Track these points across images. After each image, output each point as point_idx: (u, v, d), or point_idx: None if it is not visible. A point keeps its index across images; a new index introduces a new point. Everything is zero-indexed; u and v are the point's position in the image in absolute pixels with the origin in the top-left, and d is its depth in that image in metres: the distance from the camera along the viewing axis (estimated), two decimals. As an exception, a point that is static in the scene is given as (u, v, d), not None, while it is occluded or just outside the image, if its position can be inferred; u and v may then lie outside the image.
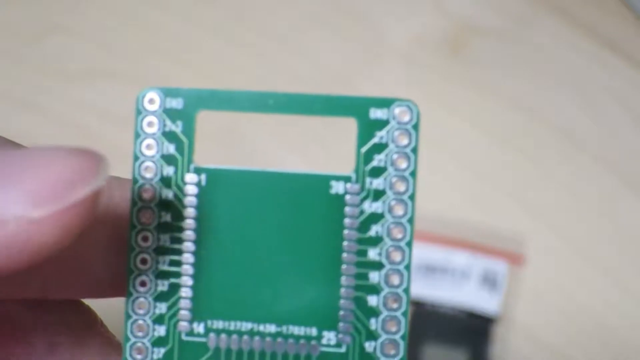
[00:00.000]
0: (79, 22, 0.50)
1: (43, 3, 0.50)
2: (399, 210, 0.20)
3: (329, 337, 0.20)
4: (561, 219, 0.46)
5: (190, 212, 0.20)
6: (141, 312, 0.20)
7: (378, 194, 0.20)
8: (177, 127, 0.20)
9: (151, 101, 0.20)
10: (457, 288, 0.44)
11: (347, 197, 0.20)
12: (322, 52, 0.49)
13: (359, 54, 0.49)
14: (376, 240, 0.20)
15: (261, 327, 0.20)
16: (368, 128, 0.20)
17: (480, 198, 0.46)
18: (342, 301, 0.20)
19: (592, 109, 0.47)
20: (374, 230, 0.20)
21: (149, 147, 0.20)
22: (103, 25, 0.50)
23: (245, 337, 0.20)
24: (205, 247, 0.20)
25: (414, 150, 0.20)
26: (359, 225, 0.20)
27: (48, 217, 0.16)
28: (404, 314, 0.20)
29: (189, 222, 0.20)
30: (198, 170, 0.20)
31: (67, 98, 0.48)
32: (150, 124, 0.20)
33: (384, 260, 0.20)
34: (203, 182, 0.20)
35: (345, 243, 0.20)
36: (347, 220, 0.20)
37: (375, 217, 0.20)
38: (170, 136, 0.20)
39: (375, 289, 0.20)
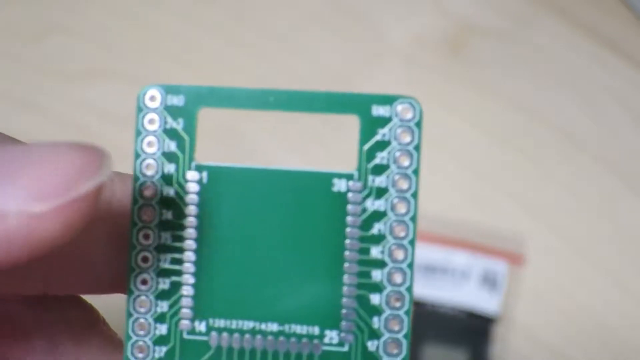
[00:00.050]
0: (79, 22, 0.50)
1: (43, 3, 0.50)
2: (401, 208, 0.20)
3: (332, 335, 0.20)
4: (561, 219, 0.46)
5: (191, 209, 0.20)
6: (142, 310, 0.20)
7: (380, 192, 0.20)
8: (178, 125, 0.20)
9: (152, 98, 0.20)
10: (457, 288, 0.44)
11: (350, 194, 0.20)
12: (322, 52, 0.49)
13: (359, 54, 0.49)
14: (379, 238, 0.20)
15: (263, 326, 0.20)
16: (370, 125, 0.20)
17: (480, 198, 0.46)
18: (344, 299, 0.20)
19: (592, 109, 0.47)
20: (377, 228, 0.20)
21: (150, 144, 0.20)
22: (103, 25, 0.50)
23: (247, 335, 0.20)
24: (206, 245, 0.20)
25: (417, 148, 0.20)
26: (362, 223, 0.20)
27: (50, 212, 0.16)
28: (407, 312, 0.20)
29: (191, 220, 0.20)
30: (199, 168, 0.20)
31: (67, 98, 0.48)
32: (151, 122, 0.20)
33: (386, 259, 0.20)
34: (204, 180, 0.20)
35: (347, 241, 0.20)
36: (349, 218, 0.20)
37: (378, 215, 0.20)
38: (171, 133, 0.20)
39: (377, 288, 0.20)
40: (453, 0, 0.49)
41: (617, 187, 0.46)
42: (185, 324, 0.20)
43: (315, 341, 0.20)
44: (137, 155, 0.20)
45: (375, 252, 0.20)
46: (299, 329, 0.20)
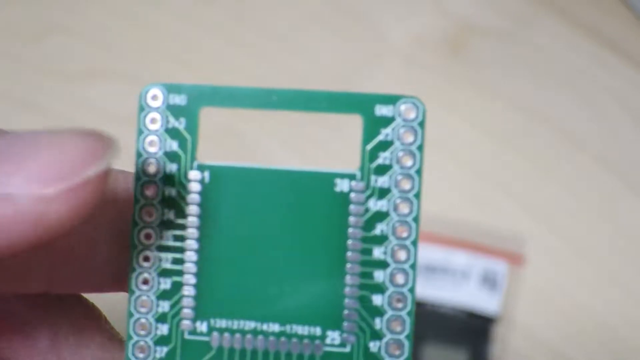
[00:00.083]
0: (79, 22, 0.50)
1: (43, 3, 0.50)
2: (404, 209, 0.20)
3: (333, 336, 0.20)
4: (561, 219, 0.46)
5: (193, 209, 0.20)
6: (144, 310, 0.20)
7: (383, 192, 0.20)
8: (180, 124, 0.20)
9: (154, 97, 0.20)
10: (457, 288, 0.44)
11: (352, 195, 0.20)
12: (322, 52, 0.49)
13: (359, 54, 0.49)
14: (381, 239, 0.20)
15: (264, 326, 0.20)
16: (373, 125, 0.20)
17: (480, 198, 0.46)
18: (346, 300, 0.20)
19: (592, 109, 0.47)
20: (379, 228, 0.20)
21: (151, 143, 0.20)
22: (103, 25, 0.50)
23: (249, 336, 0.20)
24: (208, 245, 0.20)
25: (420, 148, 0.19)
26: (364, 224, 0.20)
27: (58, 195, 0.16)
28: (409, 313, 0.20)
29: (192, 220, 0.20)
30: (201, 167, 0.20)
31: (67, 98, 0.48)
32: (153, 121, 0.20)
33: (389, 259, 0.20)
34: (206, 180, 0.20)
35: (349, 241, 0.20)
36: (351, 219, 0.20)
37: (380, 216, 0.20)
38: (173, 133, 0.20)
39: (380, 288, 0.20)
40: (453, 0, 0.49)
41: (617, 187, 0.46)
42: (186, 324, 0.20)
43: (317, 342, 0.20)
44: (138, 155, 0.20)
45: (377, 252, 0.20)
46: (301, 329, 0.20)
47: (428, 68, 0.48)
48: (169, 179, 0.20)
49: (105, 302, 0.23)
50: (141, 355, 0.20)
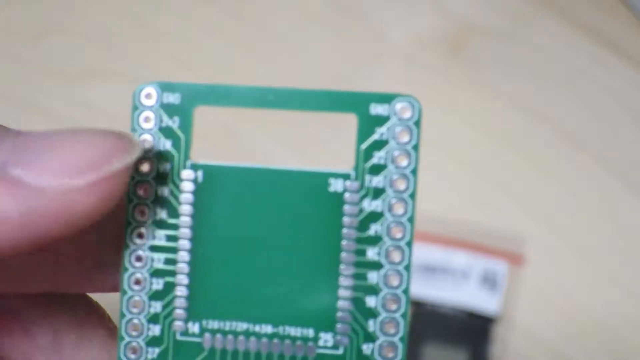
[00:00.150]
0: (79, 22, 0.50)
1: (43, 3, 0.50)
2: (399, 209, 0.19)
3: (326, 338, 0.20)
4: (561, 219, 0.46)
5: (186, 209, 0.20)
6: (136, 311, 0.20)
7: (378, 192, 0.19)
8: (174, 123, 0.20)
9: (148, 96, 0.20)
10: (457, 288, 0.44)
11: (346, 195, 0.19)
12: (322, 52, 0.49)
13: (359, 54, 0.49)
14: (375, 240, 0.19)
15: (257, 328, 0.20)
16: (368, 124, 0.19)
17: (480, 198, 0.46)
18: (339, 302, 0.19)
19: (592, 109, 0.47)
20: (373, 229, 0.19)
21: (145, 142, 0.20)
22: (103, 25, 0.50)
23: (241, 337, 0.20)
24: (201, 245, 0.20)
25: (415, 148, 0.19)
26: (358, 224, 0.19)
27: (86, 186, 0.17)
28: (403, 315, 0.19)
29: (185, 220, 0.20)
30: (195, 167, 0.20)
31: (67, 98, 0.48)
32: (147, 120, 0.20)
33: (383, 261, 0.19)
34: (200, 179, 0.20)
35: (343, 242, 0.19)
36: (345, 219, 0.19)
37: (375, 216, 0.19)
38: (166, 132, 0.20)
39: (374, 290, 0.19)
40: (453, 0, 0.49)
41: (617, 187, 0.46)
42: (178, 325, 0.20)
43: (310, 344, 0.20)
44: None
45: (371, 253, 0.19)
46: (293, 331, 0.20)
47: (428, 68, 0.48)
48: (162, 178, 0.20)
49: (108, 301, 0.23)
50: (133, 356, 0.20)
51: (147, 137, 0.20)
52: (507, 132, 0.47)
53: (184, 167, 0.20)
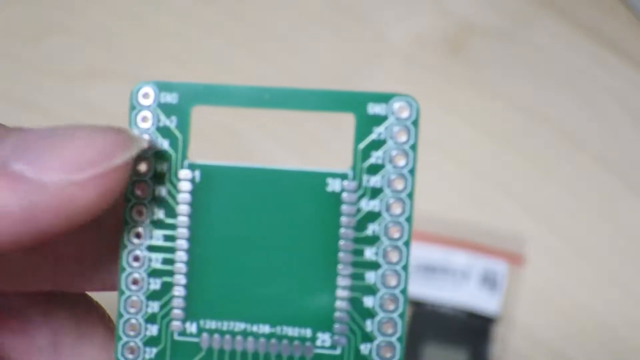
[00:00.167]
0: (79, 22, 0.50)
1: (43, 3, 0.50)
2: (396, 209, 0.19)
3: (324, 338, 0.20)
4: (561, 219, 0.46)
5: (183, 209, 0.20)
6: (133, 311, 0.20)
7: (375, 192, 0.19)
8: (171, 123, 0.20)
9: (146, 95, 0.20)
10: (457, 288, 0.44)
11: (344, 194, 0.19)
12: (322, 52, 0.49)
13: (359, 54, 0.49)
14: (373, 240, 0.19)
15: (254, 328, 0.20)
16: (366, 124, 0.19)
17: (480, 198, 0.46)
18: (337, 302, 0.19)
19: (592, 109, 0.47)
20: (371, 229, 0.19)
21: (146, 139, 0.20)
22: (103, 25, 0.50)
23: (239, 337, 0.20)
24: (198, 245, 0.20)
25: (413, 147, 0.19)
26: (356, 224, 0.19)
27: (88, 180, 0.17)
28: (401, 315, 0.19)
29: (183, 220, 0.20)
30: (192, 167, 0.20)
31: (67, 98, 0.48)
32: (144, 119, 0.20)
33: (380, 260, 0.19)
34: (197, 179, 0.20)
35: (341, 242, 0.19)
36: (343, 219, 0.19)
37: (373, 216, 0.19)
38: (164, 131, 0.20)
39: (371, 290, 0.19)
40: (453, 0, 0.49)
41: (617, 187, 0.46)
42: (176, 325, 0.20)
43: (307, 344, 0.20)
44: None
45: (369, 253, 0.19)
46: (291, 331, 0.20)
47: (428, 68, 0.48)
48: (159, 178, 0.20)
49: (108, 301, 0.23)
50: (130, 356, 0.20)
51: (145, 136, 0.20)
52: (507, 132, 0.47)
53: (182, 167, 0.20)
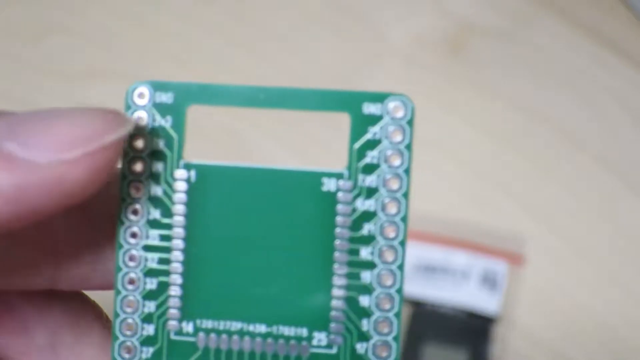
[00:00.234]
0: (79, 22, 0.50)
1: (43, 3, 0.50)
2: (392, 209, 0.19)
3: (320, 337, 0.20)
4: (561, 219, 0.46)
5: (179, 209, 0.20)
6: (129, 310, 0.20)
7: (371, 192, 0.19)
8: (166, 122, 0.20)
9: (141, 95, 0.20)
10: (457, 288, 0.44)
11: (339, 194, 0.19)
12: (322, 52, 0.49)
13: (359, 54, 0.49)
14: (369, 239, 0.19)
15: (251, 327, 0.20)
16: (361, 123, 0.19)
17: (480, 198, 0.46)
18: (333, 301, 0.19)
19: (592, 109, 0.47)
20: (367, 228, 0.19)
21: (139, 120, 0.20)
22: (103, 25, 0.50)
23: (235, 337, 0.20)
24: (194, 245, 0.20)
25: (408, 147, 0.19)
26: (351, 224, 0.19)
27: (78, 159, 0.17)
28: (397, 315, 0.19)
29: (178, 219, 0.20)
30: (188, 166, 0.20)
31: (67, 98, 0.48)
32: (139, 119, 0.20)
33: (376, 260, 0.19)
34: (193, 179, 0.20)
35: (337, 242, 0.19)
36: (339, 219, 0.19)
37: (368, 216, 0.19)
38: (159, 131, 0.20)
39: (367, 289, 0.19)
40: (453, 0, 0.49)
41: (617, 187, 0.46)
42: (172, 324, 0.20)
43: (304, 343, 0.20)
44: (125, 154, 0.20)
45: (364, 253, 0.19)
46: (287, 330, 0.20)
47: (428, 68, 0.48)
48: (155, 178, 0.20)
49: (106, 300, 0.23)
50: (127, 356, 0.20)
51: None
52: (507, 132, 0.47)
53: (177, 167, 0.20)
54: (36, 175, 0.17)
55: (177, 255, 0.20)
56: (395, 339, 0.19)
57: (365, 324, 0.19)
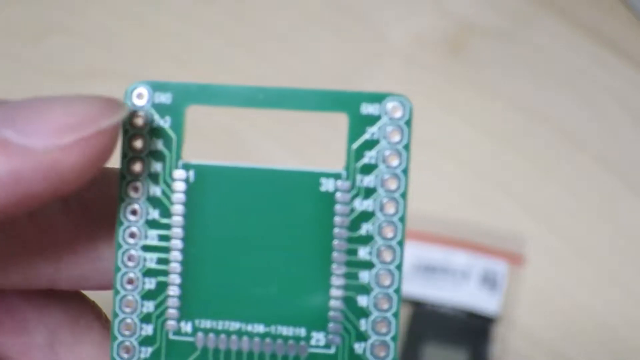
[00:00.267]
0: (79, 22, 0.50)
1: (43, 3, 0.50)
2: (390, 209, 0.19)
3: (318, 337, 0.20)
4: (561, 219, 0.46)
5: (178, 209, 0.20)
6: (128, 310, 0.20)
7: (369, 192, 0.19)
8: (165, 123, 0.20)
9: (140, 96, 0.20)
10: (457, 288, 0.44)
11: (338, 194, 0.19)
12: (322, 52, 0.49)
13: (359, 54, 0.49)
14: (367, 239, 0.19)
15: (249, 327, 0.20)
16: (359, 124, 0.19)
17: (480, 198, 0.46)
18: (331, 301, 0.19)
19: (592, 109, 0.47)
20: (365, 228, 0.19)
21: (134, 108, 0.20)
22: (103, 25, 0.50)
23: (233, 337, 0.20)
24: (193, 245, 0.20)
25: (406, 147, 0.19)
26: (350, 224, 0.19)
27: (73, 144, 0.17)
28: (395, 314, 0.19)
29: (177, 219, 0.20)
30: (186, 167, 0.20)
31: (67, 98, 0.48)
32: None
33: (374, 260, 0.19)
34: (191, 179, 0.20)
35: (335, 242, 0.19)
36: (337, 219, 0.19)
37: (366, 216, 0.19)
38: (158, 132, 0.20)
39: (365, 289, 0.19)
40: (453, 0, 0.49)
41: (617, 187, 0.46)
42: (171, 324, 0.20)
43: (302, 343, 0.20)
44: (124, 155, 0.20)
45: (363, 253, 0.19)
46: (286, 330, 0.20)
47: (428, 68, 0.48)
48: (153, 178, 0.20)
49: (105, 300, 0.23)
50: (126, 356, 0.20)
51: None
52: (507, 132, 0.47)
53: (176, 167, 0.20)
54: (32, 161, 0.17)
55: (176, 255, 0.20)
56: (394, 339, 0.19)
57: (363, 324, 0.19)
